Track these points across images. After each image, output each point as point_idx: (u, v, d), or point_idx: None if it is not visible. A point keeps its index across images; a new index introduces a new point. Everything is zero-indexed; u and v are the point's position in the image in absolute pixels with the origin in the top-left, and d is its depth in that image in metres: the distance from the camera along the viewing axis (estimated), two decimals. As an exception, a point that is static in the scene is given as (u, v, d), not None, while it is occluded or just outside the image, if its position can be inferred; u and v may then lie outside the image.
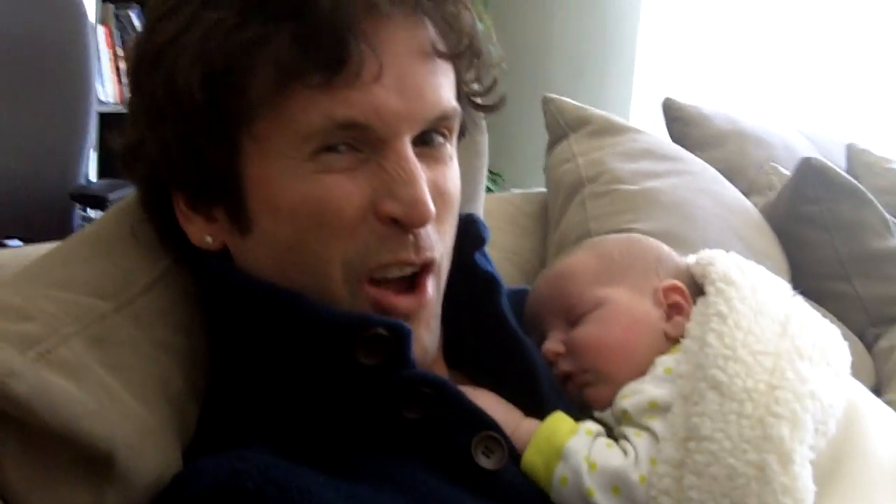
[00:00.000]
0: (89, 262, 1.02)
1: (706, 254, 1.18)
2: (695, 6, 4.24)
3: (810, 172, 2.00)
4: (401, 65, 0.94)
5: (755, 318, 1.02)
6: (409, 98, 0.95)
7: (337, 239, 0.95)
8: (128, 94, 1.05)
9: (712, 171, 2.04)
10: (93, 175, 3.52)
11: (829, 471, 0.95)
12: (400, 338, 0.95)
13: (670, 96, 2.51)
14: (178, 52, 0.93)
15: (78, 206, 2.96)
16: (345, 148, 0.94)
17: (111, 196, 2.74)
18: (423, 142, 0.98)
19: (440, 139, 1.00)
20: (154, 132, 0.96)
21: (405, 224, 0.94)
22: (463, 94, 1.04)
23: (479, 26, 1.02)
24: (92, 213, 2.96)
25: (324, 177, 0.94)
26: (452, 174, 1.02)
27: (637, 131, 2.01)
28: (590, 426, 1.02)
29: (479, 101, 1.07)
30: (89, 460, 0.86)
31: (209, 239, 1.00)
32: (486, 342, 1.10)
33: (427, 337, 1.01)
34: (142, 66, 0.99)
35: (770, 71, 4.05)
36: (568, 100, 2.02)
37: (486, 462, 0.98)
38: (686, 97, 2.54)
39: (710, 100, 2.98)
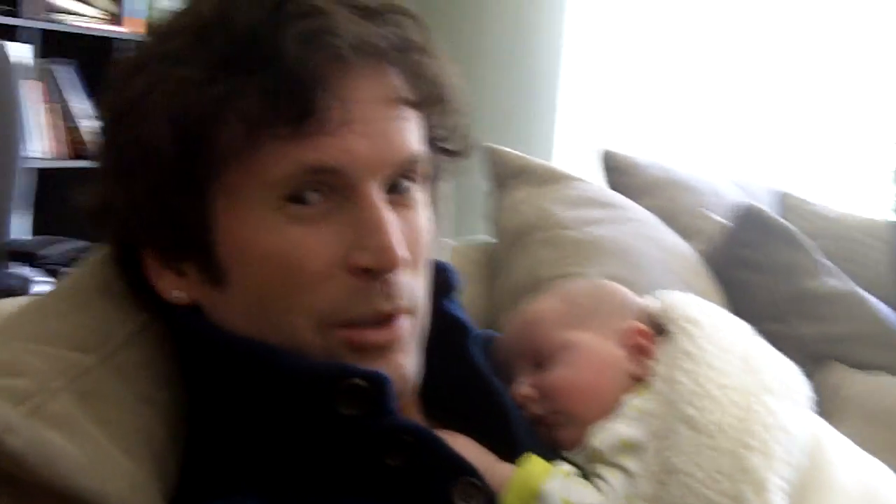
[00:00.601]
0: (68, 316, 1.02)
1: (664, 295, 1.22)
2: (615, 58, 4.33)
3: (747, 217, 2.07)
4: (367, 111, 0.97)
5: (721, 356, 1.06)
6: (377, 142, 0.97)
7: (306, 292, 0.96)
8: (93, 151, 1.08)
9: (653, 218, 2.09)
10: (27, 232, 3.47)
11: (798, 501, 0.97)
12: (379, 387, 0.96)
13: (605, 146, 2.58)
14: (147, 109, 0.95)
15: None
16: (315, 196, 0.96)
17: (41, 252, 2.71)
18: (392, 189, 1.00)
19: (407, 184, 1.02)
20: (122, 188, 0.98)
21: (376, 271, 0.95)
22: (431, 141, 1.06)
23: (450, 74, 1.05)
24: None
25: (293, 228, 0.95)
26: (421, 219, 1.04)
27: (578, 179, 2.06)
28: (564, 467, 1.05)
29: (447, 146, 1.09)
30: None
31: (179, 294, 1.01)
32: (458, 387, 1.12)
33: (406, 362, 1.02)
34: (110, 123, 1.01)
35: (696, 118, 4.15)
36: (508, 149, 2.06)
37: None
38: (607, 146, 2.62)
39: (634, 148, 3.05)
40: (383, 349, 0.99)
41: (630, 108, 4.27)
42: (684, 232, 2.30)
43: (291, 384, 0.97)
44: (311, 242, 0.95)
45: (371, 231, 0.95)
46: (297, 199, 0.95)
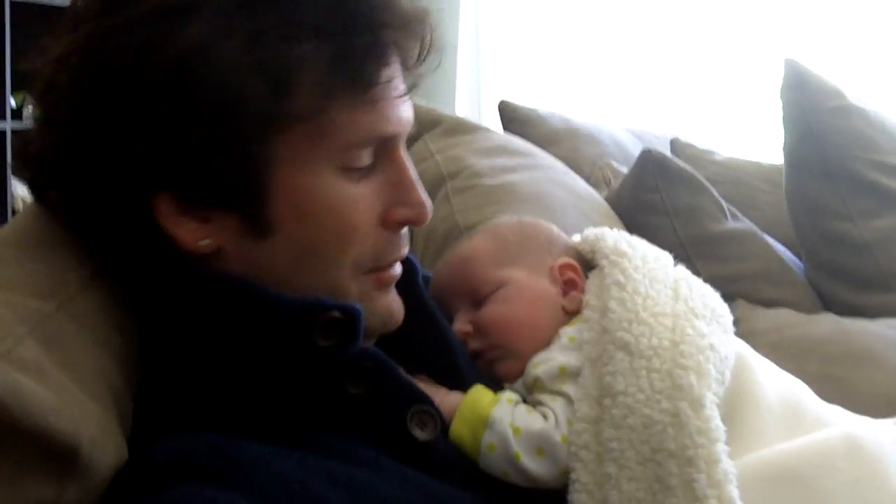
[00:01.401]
0: (21, 263, 1.02)
1: (592, 231, 1.27)
2: (510, 11, 4.37)
3: (650, 163, 2.14)
4: (405, 78, 1.04)
5: (650, 285, 1.12)
6: (410, 108, 1.06)
7: (353, 245, 1.03)
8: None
9: (561, 164, 2.16)
10: None
11: (726, 417, 1.03)
12: (352, 318, 1.01)
13: (503, 98, 2.63)
14: (212, 57, 0.94)
15: None
16: (366, 157, 1.02)
17: None
18: None
19: None
20: (154, 131, 0.96)
21: (415, 225, 1.08)
22: None
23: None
24: None
25: (348, 187, 1.01)
26: None
27: (487, 130, 2.11)
28: (510, 395, 1.10)
29: None
30: (54, 456, 0.87)
31: (206, 242, 1.01)
32: (408, 323, 1.16)
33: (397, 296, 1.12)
34: (135, 64, 0.96)
35: (587, 67, 4.21)
36: (418, 101, 2.08)
37: (420, 434, 1.04)
38: (510, 97, 2.67)
39: (534, 100, 3.10)
40: (391, 286, 1.10)
41: (526, 60, 4.33)
42: (589, 182, 2.37)
43: (273, 320, 1.00)
44: (361, 201, 1.02)
45: (409, 189, 1.05)
46: (353, 159, 1.02)
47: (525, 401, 1.11)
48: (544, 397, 1.09)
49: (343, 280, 1.04)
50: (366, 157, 1.02)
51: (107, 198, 1.00)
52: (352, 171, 1.01)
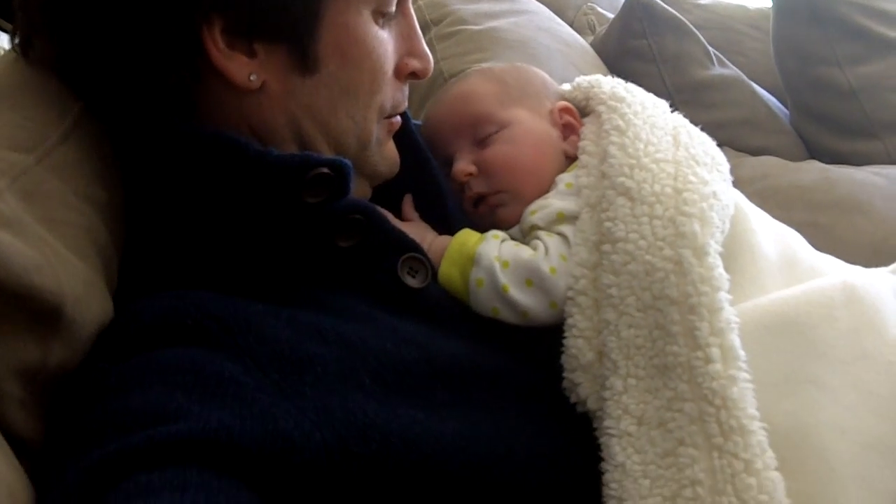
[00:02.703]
0: None
1: (585, 79, 1.24)
2: None
3: (637, 8, 2.09)
4: None
5: (651, 131, 1.09)
6: None
7: (381, 90, 1.06)
8: None
9: (546, 10, 2.10)
10: None
11: (726, 266, 1.01)
12: (341, 173, 0.99)
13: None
14: None
15: None
16: (393, 8, 1.06)
17: None
18: None
19: None
20: None
21: (421, 77, 1.11)
22: None
23: None
24: None
25: (381, 33, 1.05)
26: None
27: (470, -25, 2.04)
28: (496, 232, 1.09)
29: None
30: (38, 314, 0.85)
31: (253, 77, 1.00)
32: (399, 170, 1.15)
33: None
34: None
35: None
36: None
37: (411, 281, 1.04)
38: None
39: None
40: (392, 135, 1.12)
41: None
42: (573, 27, 2.33)
43: (261, 176, 0.98)
44: (389, 47, 1.06)
45: (419, 42, 1.10)
46: (387, 3, 1.05)
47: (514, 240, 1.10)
48: (541, 234, 1.07)
49: (370, 123, 1.07)
50: (393, 4, 1.05)
51: (150, 32, 0.96)
52: (381, 17, 1.04)
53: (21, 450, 0.86)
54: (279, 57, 1.00)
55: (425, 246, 1.08)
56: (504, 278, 1.04)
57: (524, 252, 1.05)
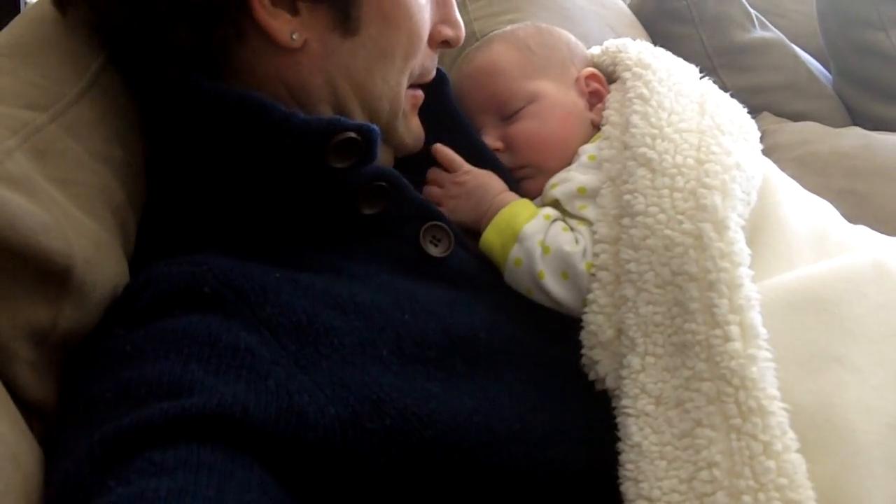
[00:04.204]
0: (14, 73, 0.97)
1: (613, 43, 1.20)
2: None
3: (677, -30, 2.04)
4: None
5: (676, 99, 1.06)
6: None
7: (417, 55, 1.06)
8: None
9: (582, -31, 2.05)
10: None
11: (750, 239, 0.99)
12: (369, 138, 0.98)
13: None
14: None
15: None
16: None
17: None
18: None
19: None
20: None
21: (453, 45, 1.11)
22: None
23: None
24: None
25: (423, 0, 1.05)
26: None
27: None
28: (548, 211, 1.06)
29: None
30: (47, 275, 0.84)
31: (295, 36, 1.00)
32: (440, 134, 1.15)
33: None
34: None
35: None
36: None
37: (433, 250, 1.03)
38: None
39: None
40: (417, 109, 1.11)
41: None
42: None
43: (288, 138, 0.97)
44: (427, 13, 1.07)
45: (452, 10, 1.11)
46: None
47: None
48: (573, 222, 1.05)
49: (400, 89, 1.06)
50: None
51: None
52: None
53: (30, 412, 0.86)
54: (322, 16, 1.00)
55: (489, 198, 1.09)
56: (542, 265, 1.02)
57: (566, 243, 1.03)
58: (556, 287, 1.02)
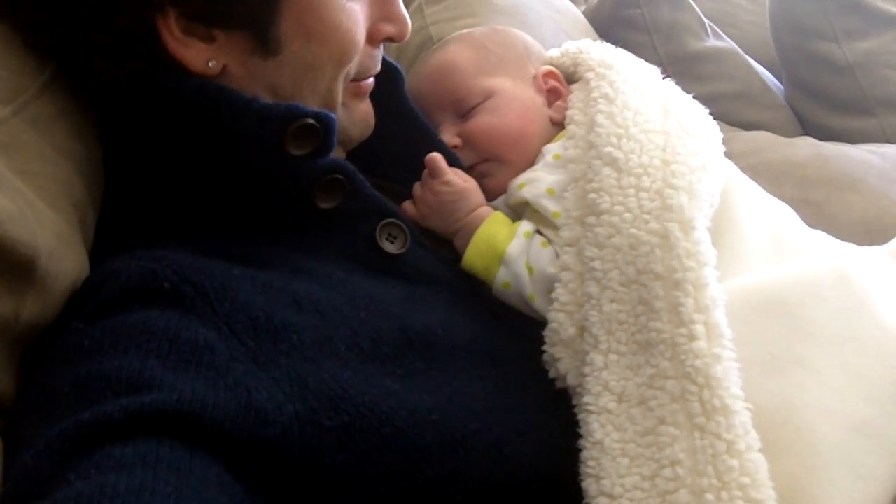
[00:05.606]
0: None
1: (572, 44, 1.21)
2: None
3: (631, -24, 2.05)
4: None
5: (641, 99, 1.06)
6: None
7: (350, 62, 1.03)
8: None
9: (538, -25, 2.05)
10: None
11: (713, 242, 0.99)
12: (327, 125, 0.97)
13: None
14: None
15: None
16: None
17: None
18: None
19: None
20: None
21: (396, 41, 1.08)
22: None
23: None
24: None
25: (349, 3, 1.01)
26: None
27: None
28: (526, 227, 1.06)
29: None
30: (11, 267, 0.83)
31: (212, 63, 0.97)
32: (393, 129, 1.15)
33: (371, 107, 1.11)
34: None
35: None
36: None
37: (390, 247, 1.03)
38: None
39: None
40: (367, 95, 1.10)
41: None
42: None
43: (246, 124, 0.96)
44: (361, 18, 1.03)
45: (395, 6, 1.07)
46: None
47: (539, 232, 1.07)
48: (549, 232, 1.04)
49: (337, 93, 1.04)
50: None
51: (106, 22, 0.94)
52: None
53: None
54: (239, 41, 0.98)
55: (462, 214, 1.08)
56: (531, 287, 1.03)
57: (548, 264, 1.02)
58: (545, 306, 1.01)
